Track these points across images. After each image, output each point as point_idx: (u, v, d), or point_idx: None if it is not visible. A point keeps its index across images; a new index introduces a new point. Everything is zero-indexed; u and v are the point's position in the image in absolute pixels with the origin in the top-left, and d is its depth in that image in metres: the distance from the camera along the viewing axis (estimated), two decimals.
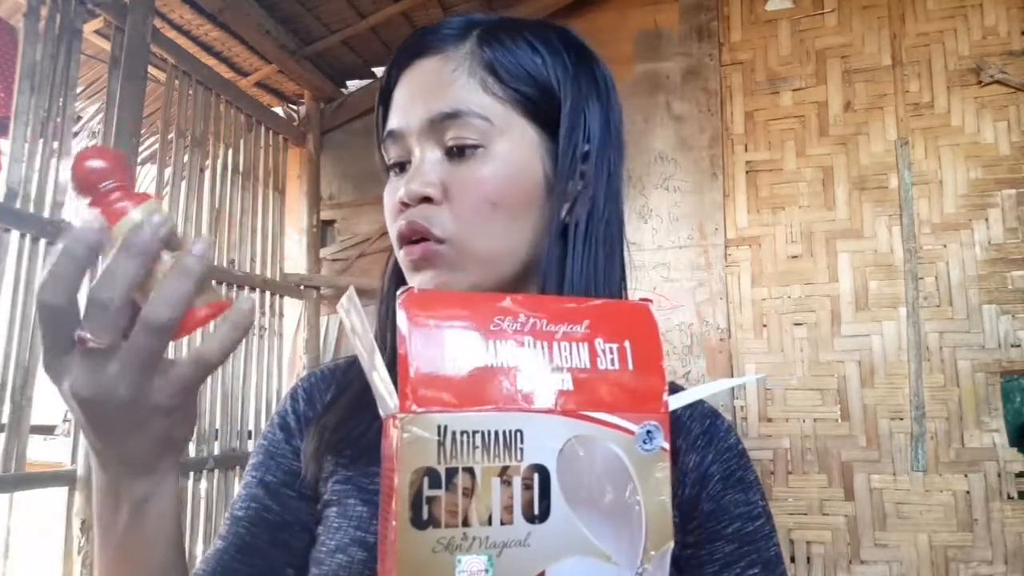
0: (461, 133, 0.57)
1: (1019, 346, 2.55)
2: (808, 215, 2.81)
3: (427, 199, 0.57)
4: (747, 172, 2.91)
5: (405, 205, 0.58)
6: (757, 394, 2.77)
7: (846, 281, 2.74)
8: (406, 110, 0.59)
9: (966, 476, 2.53)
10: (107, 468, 0.47)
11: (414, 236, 0.57)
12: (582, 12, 3.10)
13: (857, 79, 2.83)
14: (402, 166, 0.61)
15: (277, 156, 3.31)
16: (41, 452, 2.92)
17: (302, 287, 3.30)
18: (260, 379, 3.00)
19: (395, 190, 0.60)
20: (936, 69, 2.75)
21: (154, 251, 0.42)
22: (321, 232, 3.46)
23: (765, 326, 2.81)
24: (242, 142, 3.06)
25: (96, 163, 0.44)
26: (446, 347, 0.37)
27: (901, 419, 2.62)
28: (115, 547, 0.49)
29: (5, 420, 1.94)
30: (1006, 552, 2.46)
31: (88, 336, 0.40)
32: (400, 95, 0.61)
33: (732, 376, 2.81)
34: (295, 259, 3.35)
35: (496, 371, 0.37)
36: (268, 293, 3.11)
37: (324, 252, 3.44)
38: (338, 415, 0.62)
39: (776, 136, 2.89)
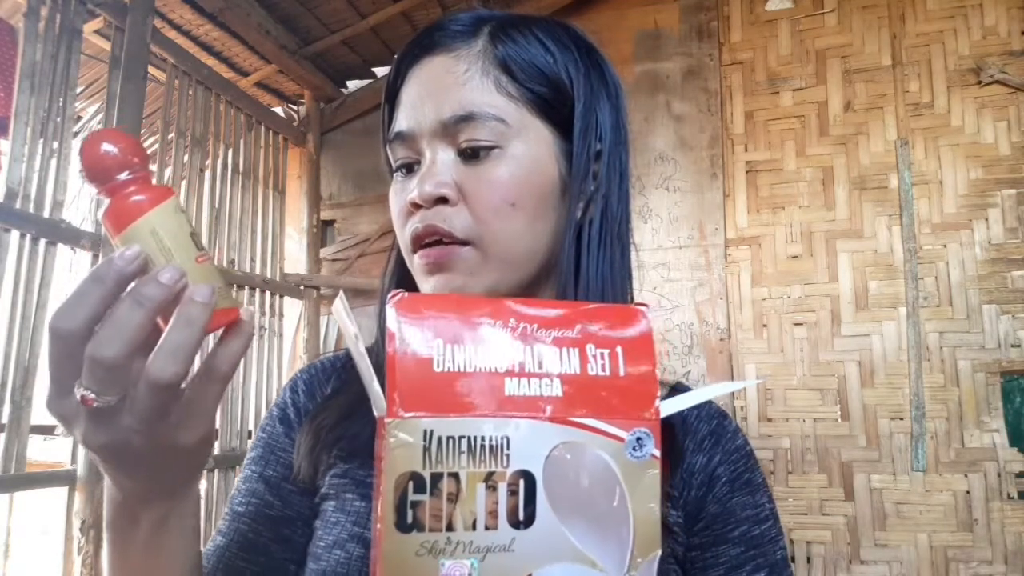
0: (475, 135, 0.55)
1: (1019, 346, 2.54)
2: (808, 215, 2.81)
3: (442, 200, 0.56)
4: (747, 172, 2.90)
5: (416, 207, 0.56)
6: (757, 394, 2.77)
7: (846, 281, 2.74)
8: (416, 110, 0.58)
9: (966, 476, 2.53)
10: (124, 492, 0.45)
11: (432, 238, 0.56)
12: (582, 12, 3.09)
13: (857, 79, 2.82)
14: (409, 167, 0.59)
15: (277, 156, 3.31)
16: (41, 452, 2.92)
17: (302, 287, 3.30)
18: (260, 379, 3.00)
19: (403, 191, 0.58)
20: (936, 69, 2.74)
21: (167, 304, 0.39)
22: (321, 232, 3.46)
23: (765, 326, 2.80)
24: (242, 142, 3.06)
25: (111, 147, 0.39)
26: (434, 352, 0.36)
27: (901, 419, 2.62)
28: (133, 560, 0.48)
29: (5, 420, 1.94)
30: (1006, 552, 2.46)
31: (91, 396, 0.38)
32: (409, 94, 0.59)
33: (732, 377, 2.81)
34: (295, 259, 3.35)
35: (484, 376, 0.37)
36: (268, 293, 3.11)
37: (324, 252, 3.44)
38: (335, 415, 0.61)
39: (776, 136, 2.89)
